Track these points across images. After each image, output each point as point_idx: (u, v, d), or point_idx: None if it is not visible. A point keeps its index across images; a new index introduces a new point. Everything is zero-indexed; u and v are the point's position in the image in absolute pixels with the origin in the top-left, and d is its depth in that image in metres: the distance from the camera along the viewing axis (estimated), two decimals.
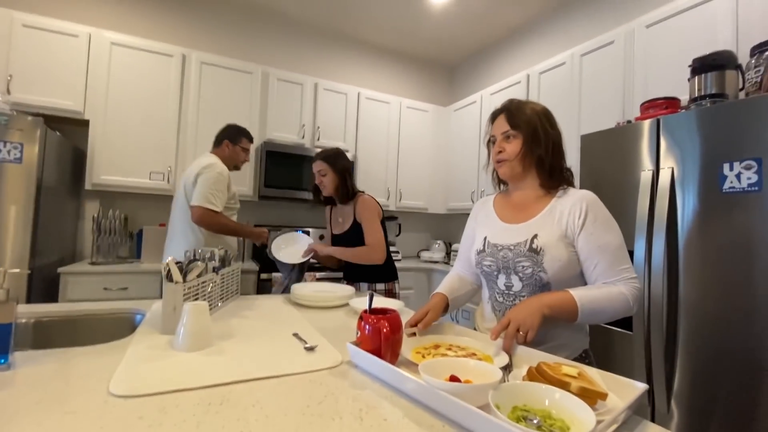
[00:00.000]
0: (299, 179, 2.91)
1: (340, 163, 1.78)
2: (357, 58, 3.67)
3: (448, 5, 3.03)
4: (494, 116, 1.08)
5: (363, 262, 1.71)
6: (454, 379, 0.67)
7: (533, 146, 0.99)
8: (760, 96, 1.21)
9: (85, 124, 2.42)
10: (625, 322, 1.52)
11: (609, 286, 0.90)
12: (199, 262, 1.10)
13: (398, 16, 3.23)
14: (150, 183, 2.55)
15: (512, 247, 0.98)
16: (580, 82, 2.29)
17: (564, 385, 0.64)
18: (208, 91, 2.74)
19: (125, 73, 2.50)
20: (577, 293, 0.88)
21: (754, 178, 1.20)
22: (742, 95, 1.46)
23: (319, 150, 2.95)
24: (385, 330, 0.77)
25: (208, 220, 1.79)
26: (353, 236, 1.75)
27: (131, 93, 2.51)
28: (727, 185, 1.26)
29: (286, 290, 1.70)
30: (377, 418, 0.61)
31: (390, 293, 1.79)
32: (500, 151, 1.02)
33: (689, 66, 1.57)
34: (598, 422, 0.55)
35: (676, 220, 1.40)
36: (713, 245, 1.29)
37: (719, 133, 1.29)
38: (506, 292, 1.01)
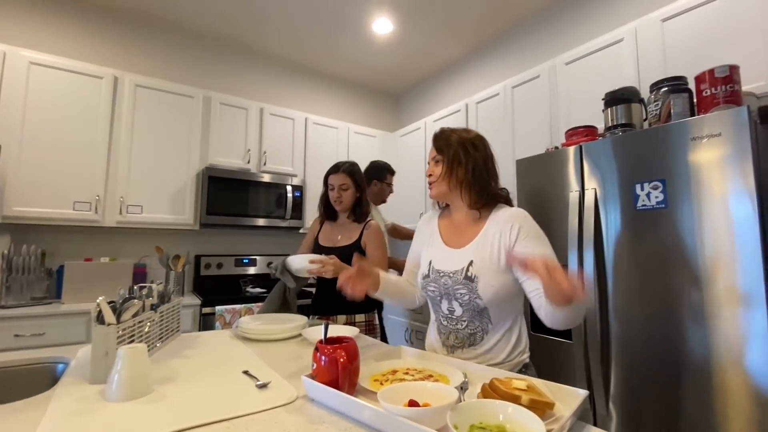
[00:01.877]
0: (245, 205, 2.82)
1: (360, 178, 1.75)
2: (304, 84, 3.70)
3: (391, 38, 3.18)
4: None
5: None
6: (413, 403, 0.68)
7: (455, 167, 1.06)
8: (660, 126, 1.40)
9: None
10: (565, 332, 1.63)
11: None
12: (135, 300, 1.01)
13: (344, 46, 3.32)
14: (74, 214, 2.32)
15: (451, 275, 1.04)
16: (513, 111, 2.50)
17: (515, 399, 0.67)
18: (144, 115, 2.59)
19: (46, 95, 2.29)
20: None
21: (661, 196, 1.37)
22: (645, 125, 1.68)
23: (266, 174, 2.90)
24: (342, 359, 0.76)
25: None
26: (349, 255, 1.58)
27: (53, 116, 2.30)
28: (640, 203, 1.43)
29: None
30: None
31: (370, 324, 1.70)
32: (430, 174, 1.10)
33: (602, 99, 1.79)
34: (548, 431, 0.58)
35: (601, 235, 1.55)
36: (633, 256, 1.45)
37: (630, 157, 1.47)
38: (449, 316, 1.06)
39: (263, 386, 0.86)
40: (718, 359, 1.22)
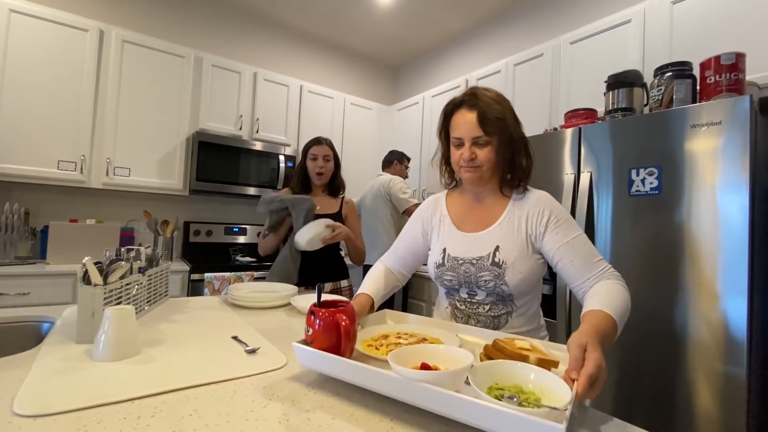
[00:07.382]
0: (235, 173, 2.76)
1: (337, 155, 1.85)
2: (300, 49, 3.57)
3: (393, 5, 3.06)
4: (453, 108, 0.98)
5: (357, 257, 1.78)
6: (425, 367, 0.65)
7: (506, 152, 0.95)
8: (661, 112, 1.39)
9: None
10: (550, 312, 1.66)
11: (608, 286, 0.84)
12: (122, 262, 0.99)
13: (344, 11, 3.19)
14: (58, 173, 2.25)
15: (474, 261, 0.95)
16: (513, 89, 2.45)
17: (523, 359, 0.67)
18: (131, 73, 2.48)
19: (28, 47, 2.17)
20: (609, 310, 0.78)
21: (656, 183, 1.38)
22: (646, 110, 1.66)
23: (258, 143, 2.84)
24: (344, 323, 0.72)
25: None
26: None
27: (35, 70, 2.19)
28: (634, 189, 1.44)
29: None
30: (324, 417, 0.60)
31: (350, 290, 1.81)
32: (473, 158, 0.94)
33: (605, 81, 1.76)
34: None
35: (593, 219, 1.56)
36: (624, 241, 1.46)
37: (628, 142, 1.47)
38: (468, 300, 1.00)
39: (252, 352, 0.87)
40: (699, 344, 1.26)
